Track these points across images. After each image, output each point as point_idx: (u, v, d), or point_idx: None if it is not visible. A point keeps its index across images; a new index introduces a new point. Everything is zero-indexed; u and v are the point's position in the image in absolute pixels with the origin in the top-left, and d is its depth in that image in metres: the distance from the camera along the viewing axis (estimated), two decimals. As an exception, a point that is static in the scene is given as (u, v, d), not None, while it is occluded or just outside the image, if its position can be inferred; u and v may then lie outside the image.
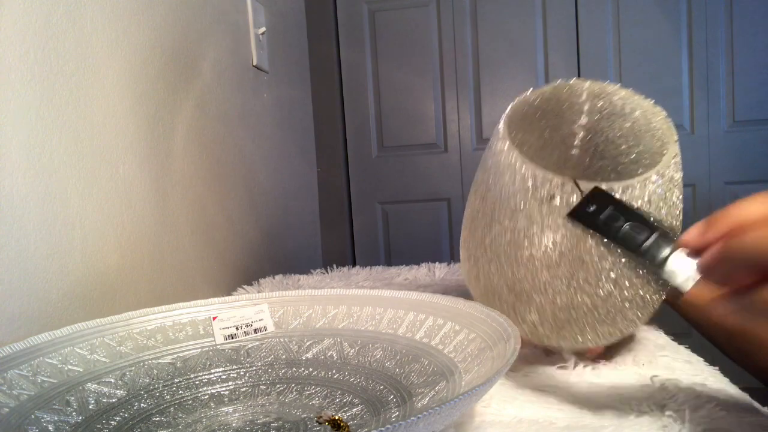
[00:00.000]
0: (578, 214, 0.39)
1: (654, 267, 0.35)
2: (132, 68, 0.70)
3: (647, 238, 0.36)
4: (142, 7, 0.72)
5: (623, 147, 0.54)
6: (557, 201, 0.41)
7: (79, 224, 0.59)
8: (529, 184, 0.42)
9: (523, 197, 0.43)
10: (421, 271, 0.94)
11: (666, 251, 0.35)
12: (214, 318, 0.54)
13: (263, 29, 1.14)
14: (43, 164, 0.54)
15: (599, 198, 0.38)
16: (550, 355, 0.54)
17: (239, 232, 1.01)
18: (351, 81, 1.76)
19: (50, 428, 0.39)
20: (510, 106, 0.50)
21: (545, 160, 0.56)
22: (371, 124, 1.77)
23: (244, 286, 0.91)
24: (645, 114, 0.50)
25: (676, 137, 0.45)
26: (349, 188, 1.79)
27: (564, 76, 1.70)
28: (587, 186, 0.40)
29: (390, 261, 1.78)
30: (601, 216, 0.37)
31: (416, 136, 1.75)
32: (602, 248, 0.40)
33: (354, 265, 1.21)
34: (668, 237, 0.35)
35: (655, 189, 0.41)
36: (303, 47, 1.59)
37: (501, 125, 0.48)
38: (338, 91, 1.75)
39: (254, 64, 1.11)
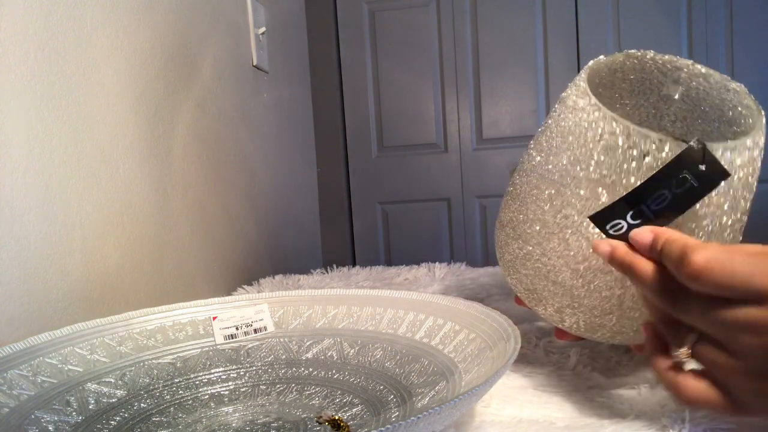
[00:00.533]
0: (666, 168, 0.36)
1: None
2: (132, 68, 0.70)
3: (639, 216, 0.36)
4: (142, 7, 0.72)
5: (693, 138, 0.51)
6: (649, 160, 0.37)
7: (79, 224, 0.59)
8: (620, 141, 0.38)
9: (612, 156, 0.39)
10: (421, 271, 0.94)
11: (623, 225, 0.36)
12: (214, 318, 0.54)
13: (263, 29, 1.14)
14: (43, 164, 0.54)
15: (689, 172, 0.35)
16: (549, 355, 0.54)
17: (239, 232, 1.01)
18: (351, 81, 1.76)
19: (50, 428, 0.39)
20: (590, 65, 0.46)
21: None
22: (371, 124, 1.77)
23: (244, 286, 0.91)
24: (733, 103, 0.46)
25: (764, 119, 0.42)
26: (349, 188, 1.79)
27: (564, 76, 1.70)
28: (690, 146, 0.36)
29: (390, 261, 1.78)
30: (667, 184, 0.35)
31: (416, 136, 1.75)
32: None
33: (354, 265, 1.21)
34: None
35: (751, 155, 0.38)
36: (303, 47, 1.59)
37: (581, 82, 0.43)
38: (338, 91, 1.75)
39: (254, 64, 1.11)
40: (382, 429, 0.26)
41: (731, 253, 0.30)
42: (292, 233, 1.36)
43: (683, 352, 0.32)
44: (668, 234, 0.33)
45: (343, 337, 0.52)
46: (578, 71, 0.51)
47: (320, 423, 0.40)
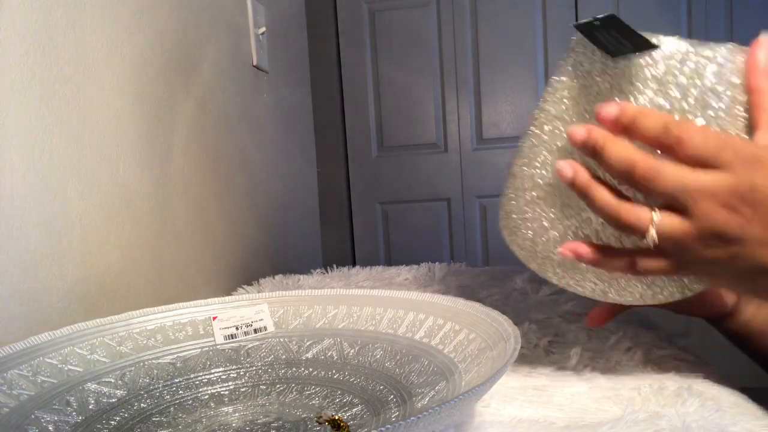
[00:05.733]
0: (582, 26, 0.40)
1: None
2: (132, 68, 0.70)
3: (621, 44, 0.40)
4: (142, 7, 0.72)
5: None
6: None
7: (79, 224, 0.59)
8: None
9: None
10: (421, 271, 0.94)
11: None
12: (214, 318, 0.54)
13: (263, 29, 1.14)
14: (43, 164, 0.54)
15: (611, 24, 0.39)
16: (549, 355, 0.54)
17: (239, 232, 1.01)
18: (351, 81, 1.76)
19: (50, 428, 0.39)
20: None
21: None
22: (371, 124, 1.77)
23: (244, 286, 0.91)
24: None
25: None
26: (349, 188, 1.79)
27: (564, 76, 1.70)
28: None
29: (390, 261, 1.78)
30: (603, 31, 0.39)
31: (416, 136, 1.75)
32: None
33: (354, 265, 1.21)
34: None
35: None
36: (303, 47, 1.59)
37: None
38: (338, 91, 1.75)
39: (254, 64, 1.11)
40: (382, 429, 0.26)
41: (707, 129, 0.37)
42: (292, 233, 1.36)
43: (651, 234, 0.37)
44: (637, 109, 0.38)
45: (343, 337, 0.52)
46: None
47: (320, 423, 0.40)
